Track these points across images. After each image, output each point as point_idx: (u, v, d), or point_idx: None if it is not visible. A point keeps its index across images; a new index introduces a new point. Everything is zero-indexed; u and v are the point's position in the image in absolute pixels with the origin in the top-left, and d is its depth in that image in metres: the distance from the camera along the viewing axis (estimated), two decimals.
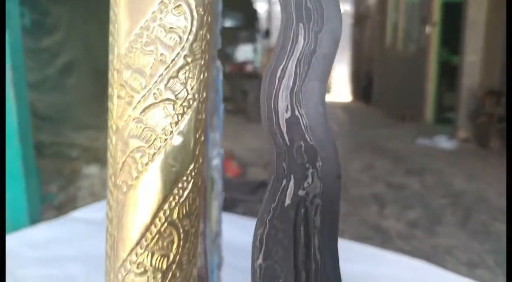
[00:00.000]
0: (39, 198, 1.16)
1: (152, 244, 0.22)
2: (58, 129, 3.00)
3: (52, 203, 1.17)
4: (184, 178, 0.23)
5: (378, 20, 4.75)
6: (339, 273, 0.22)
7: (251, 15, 4.25)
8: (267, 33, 4.62)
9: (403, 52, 4.53)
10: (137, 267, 0.22)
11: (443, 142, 3.52)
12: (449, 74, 4.03)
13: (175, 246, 0.23)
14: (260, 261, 0.22)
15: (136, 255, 0.22)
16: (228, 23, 4.02)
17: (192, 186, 0.23)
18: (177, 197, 0.22)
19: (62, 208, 1.55)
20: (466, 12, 3.47)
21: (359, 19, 5.01)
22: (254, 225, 0.22)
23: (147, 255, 0.22)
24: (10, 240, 0.74)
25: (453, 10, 3.72)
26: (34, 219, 0.97)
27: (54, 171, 2.18)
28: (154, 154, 0.22)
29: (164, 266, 0.22)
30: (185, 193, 0.23)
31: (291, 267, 0.21)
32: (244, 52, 4.18)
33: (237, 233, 0.61)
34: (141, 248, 0.22)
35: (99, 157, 2.82)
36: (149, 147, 0.22)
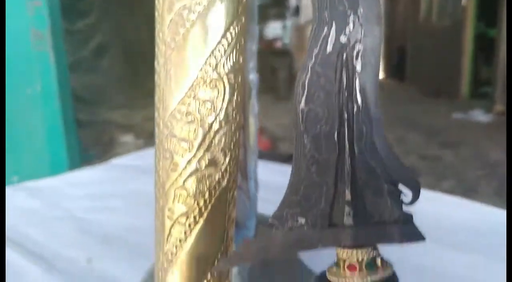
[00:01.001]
0: (78, 155, 1.20)
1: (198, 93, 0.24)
2: (93, 109, 3.08)
3: (91, 162, 1.20)
4: (231, 30, 0.24)
5: None
6: (380, 114, 0.23)
7: None
8: (296, 10, 4.57)
9: (438, 26, 4.40)
10: (186, 116, 0.24)
11: (479, 116, 3.42)
12: (486, 48, 3.90)
13: (221, 98, 0.24)
14: (302, 105, 0.23)
15: (184, 104, 0.24)
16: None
17: (236, 42, 0.24)
18: (222, 50, 0.24)
19: None
20: None
21: None
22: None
23: (195, 104, 0.24)
24: (53, 180, 0.78)
25: None
26: None
27: (92, 141, 2.26)
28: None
29: (212, 115, 0.24)
30: (230, 47, 0.24)
31: (333, 109, 0.22)
32: (273, 29, 4.15)
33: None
34: (188, 97, 0.24)
35: (134, 129, 2.88)
36: None
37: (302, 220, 0.23)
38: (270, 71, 4.06)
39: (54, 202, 0.69)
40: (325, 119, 0.22)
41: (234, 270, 0.40)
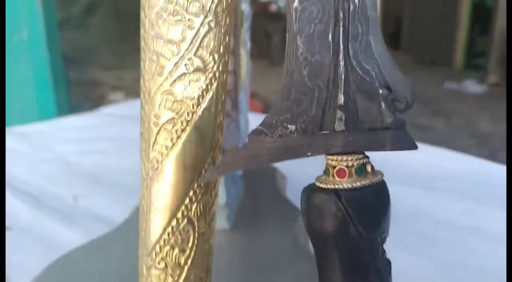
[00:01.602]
0: (67, 106, 1.18)
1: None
2: (82, 68, 3.03)
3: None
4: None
5: None
6: (376, 14, 0.22)
7: None
8: None
9: None
10: (173, 15, 0.22)
11: (472, 86, 3.42)
12: (482, 18, 3.86)
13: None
14: (296, 3, 0.22)
15: (171, 3, 0.22)
16: None
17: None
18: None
19: None
20: None
21: None
22: None
23: (183, 3, 0.22)
24: (41, 125, 0.77)
25: None
26: None
27: (81, 98, 2.23)
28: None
29: (200, 16, 0.23)
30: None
31: (328, 8, 0.21)
32: None
33: None
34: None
35: (123, 88, 2.85)
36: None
37: (292, 127, 0.23)
38: (264, 35, 3.99)
39: (42, 145, 0.68)
40: (320, 18, 0.21)
41: (221, 203, 0.40)
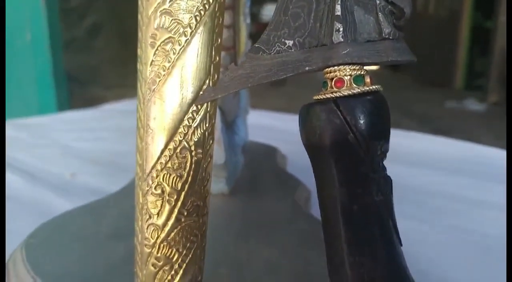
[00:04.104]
0: (68, 106, 1.18)
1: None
2: (86, 88, 3.06)
3: None
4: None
5: None
6: None
7: None
8: None
9: (435, 16, 4.40)
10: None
11: (472, 105, 3.44)
12: (482, 39, 3.90)
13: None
14: None
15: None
16: None
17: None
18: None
19: None
20: None
21: None
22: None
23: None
24: (42, 118, 0.77)
25: None
26: None
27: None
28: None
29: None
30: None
31: None
32: (269, 12, 4.13)
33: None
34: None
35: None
36: None
37: (289, 42, 0.22)
38: None
39: (41, 133, 0.68)
40: None
41: (220, 162, 0.39)
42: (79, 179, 0.51)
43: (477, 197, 0.47)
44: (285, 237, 0.35)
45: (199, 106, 0.24)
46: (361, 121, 0.21)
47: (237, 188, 0.42)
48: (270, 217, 0.37)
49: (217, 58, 0.24)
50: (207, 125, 0.25)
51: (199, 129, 0.25)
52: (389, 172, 0.23)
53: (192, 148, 0.24)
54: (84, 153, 0.60)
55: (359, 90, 0.21)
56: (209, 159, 0.25)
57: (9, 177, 0.50)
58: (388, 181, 0.22)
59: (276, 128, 0.71)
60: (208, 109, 0.25)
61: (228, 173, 0.40)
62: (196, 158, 0.25)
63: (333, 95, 0.21)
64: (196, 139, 0.24)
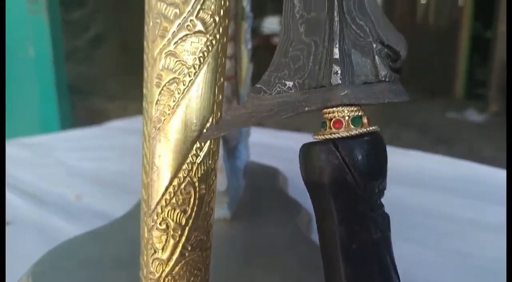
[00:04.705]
0: (71, 122, 1.19)
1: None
2: (89, 98, 3.08)
3: None
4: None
5: None
6: None
7: None
8: None
9: (435, 26, 4.43)
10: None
11: (473, 115, 3.44)
12: (482, 48, 3.92)
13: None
14: None
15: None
16: None
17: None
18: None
19: None
20: None
21: None
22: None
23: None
24: (45, 137, 0.78)
25: None
26: None
27: (86, 123, 2.26)
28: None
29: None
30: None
31: None
32: (270, 25, 4.16)
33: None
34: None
35: (127, 116, 2.87)
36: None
37: (289, 83, 0.23)
38: (266, 67, 4.06)
39: (45, 152, 0.69)
40: None
41: (222, 189, 0.40)
42: (84, 201, 0.51)
43: (475, 218, 0.47)
44: (286, 263, 0.36)
45: (202, 143, 0.25)
46: (359, 162, 0.22)
47: (239, 212, 0.42)
48: (272, 242, 0.38)
49: (220, 96, 0.25)
50: (210, 161, 0.26)
51: (202, 165, 0.25)
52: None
53: (196, 184, 0.25)
54: (88, 172, 0.61)
55: (356, 132, 0.22)
56: (212, 194, 0.26)
57: (15, 199, 0.51)
58: (385, 218, 0.23)
59: (276, 146, 0.71)
60: (211, 146, 0.25)
61: (230, 199, 0.41)
62: (199, 194, 0.25)
63: (332, 136, 0.22)
64: (199, 175, 0.25)
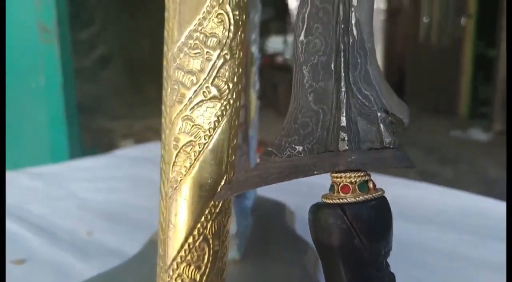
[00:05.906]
0: (80, 150, 1.21)
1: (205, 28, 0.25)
2: (95, 117, 3.11)
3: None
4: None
5: (412, 14, 4.70)
6: (373, 46, 0.24)
7: (281, 7, 4.27)
8: None
9: (437, 45, 4.46)
10: (193, 49, 0.25)
11: (478, 134, 3.45)
12: (485, 67, 3.94)
13: (226, 33, 0.25)
14: (302, 37, 0.24)
15: (191, 38, 0.25)
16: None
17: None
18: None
19: None
20: (502, 2, 3.39)
21: (392, 14, 4.95)
22: None
23: (201, 38, 0.25)
24: (55, 166, 0.79)
25: (489, 1, 3.64)
26: None
27: (93, 143, 2.28)
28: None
29: (217, 50, 0.25)
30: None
31: (330, 41, 0.24)
32: (274, 44, 4.21)
33: None
34: (195, 31, 0.25)
35: (134, 136, 2.90)
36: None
37: (299, 148, 0.25)
38: (271, 87, 4.10)
39: (56, 183, 0.70)
40: (323, 50, 0.24)
41: (231, 233, 0.41)
42: (95, 237, 0.53)
43: (474, 254, 0.48)
44: None
45: (216, 202, 0.26)
46: (366, 227, 0.23)
47: (247, 252, 0.43)
48: None
49: (233, 156, 0.27)
50: (223, 219, 0.27)
51: (216, 222, 0.27)
52: None
53: (210, 241, 0.26)
54: (99, 205, 0.62)
55: (363, 198, 0.23)
56: (225, 250, 0.27)
57: (29, 236, 0.52)
58: (391, 277, 0.24)
59: None
60: (225, 204, 0.27)
61: (240, 240, 0.42)
62: (213, 250, 0.27)
63: (340, 201, 0.23)
64: (213, 232, 0.27)
